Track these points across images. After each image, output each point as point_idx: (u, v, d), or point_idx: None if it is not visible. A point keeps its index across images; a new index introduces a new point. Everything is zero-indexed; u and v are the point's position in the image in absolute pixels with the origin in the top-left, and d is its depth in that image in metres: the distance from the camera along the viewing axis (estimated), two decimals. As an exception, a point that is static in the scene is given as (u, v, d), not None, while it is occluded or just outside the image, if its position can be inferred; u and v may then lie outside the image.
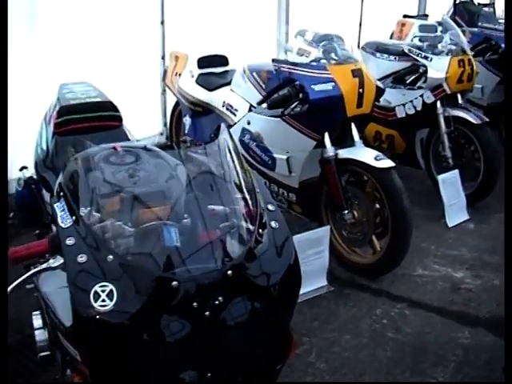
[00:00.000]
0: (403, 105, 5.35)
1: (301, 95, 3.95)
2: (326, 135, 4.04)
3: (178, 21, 6.28)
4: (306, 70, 3.98)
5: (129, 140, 3.00)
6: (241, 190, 1.99)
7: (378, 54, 5.59)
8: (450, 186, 5.01)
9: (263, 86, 4.31)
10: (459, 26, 7.80)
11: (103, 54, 5.48)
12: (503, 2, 10.03)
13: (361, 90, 3.96)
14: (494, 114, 6.46)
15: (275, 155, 4.26)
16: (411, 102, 5.29)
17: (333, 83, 3.90)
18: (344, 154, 4.02)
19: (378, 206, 4.05)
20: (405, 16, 8.71)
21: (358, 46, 8.28)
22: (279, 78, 4.13)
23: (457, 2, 8.53)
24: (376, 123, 5.53)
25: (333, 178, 4.04)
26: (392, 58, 5.51)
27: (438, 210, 5.07)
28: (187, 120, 5.24)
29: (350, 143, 4.13)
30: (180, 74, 5.26)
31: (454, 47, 5.31)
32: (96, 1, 5.43)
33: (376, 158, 3.89)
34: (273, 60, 4.16)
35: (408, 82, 5.37)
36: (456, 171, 5.07)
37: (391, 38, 7.81)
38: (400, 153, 5.61)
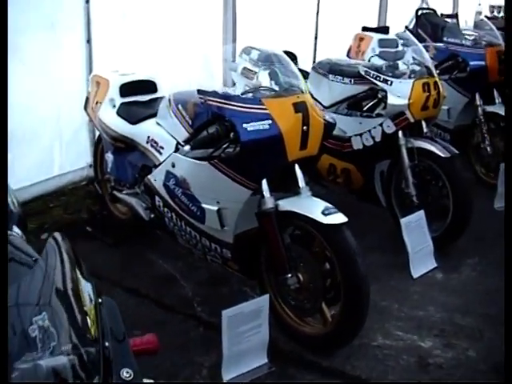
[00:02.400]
0: (360, 135, 4.64)
1: (232, 135, 3.19)
2: (264, 183, 3.32)
3: (106, 39, 5.48)
4: (237, 104, 3.23)
5: None
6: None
7: (330, 76, 4.87)
8: (415, 230, 4.31)
9: (189, 121, 3.55)
10: (422, 39, 7.19)
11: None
12: (466, 12, 9.52)
13: (305, 128, 3.25)
14: (462, 138, 5.81)
15: (204, 206, 3.53)
16: (369, 131, 4.59)
17: (269, 121, 3.18)
18: (286, 205, 3.29)
19: (328, 266, 3.27)
20: (364, 28, 8.06)
21: (314, 62, 7.61)
22: (208, 112, 3.38)
23: (419, 13, 7.85)
24: (330, 155, 4.81)
25: (273, 234, 3.31)
26: (347, 80, 4.79)
27: (401, 255, 4.37)
28: (109, 157, 4.50)
29: (295, 190, 3.37)
30: (101, 103, 4.45)
31: (417, 67, 4.61)
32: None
33: (324, 212, 3.16)
34: (198, 91, 3.41)
35: (365, 108, 4.61)
36: (421, 212, 4.37)
37: (348, 53, 7.11)
38: (358, 188, 4.87)
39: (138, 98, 4.46)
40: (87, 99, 4.74)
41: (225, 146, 3.27)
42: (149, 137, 4.02)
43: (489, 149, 5.76)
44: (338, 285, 3.30)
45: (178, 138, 3.69)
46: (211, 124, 3.34)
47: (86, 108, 4.76)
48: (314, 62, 8.00)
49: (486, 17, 9.25)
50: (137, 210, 4.25)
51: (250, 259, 3.63)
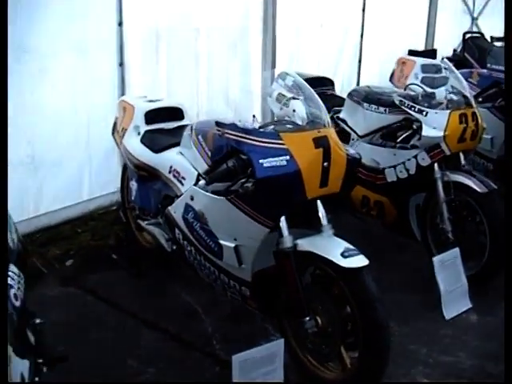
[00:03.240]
0: (394, 167, 4.45)
1: (249, 170, 3.05)
2: (283, 220, 3.14)
3: (140, 63, 5.40)
4: (254, 138, 3.08)
5: None
6: None
7: (365, 105, 4.69)
8: (449, 268, 4.10)
9: (209, 153, 3.42)
10: (469, 64, 6.96)
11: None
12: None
13: (326, 164, 3.06)
14: (506, 169, 5.52)
15: (221, 242, 3.39)
16: (403, 163, 4.39)
17: (287, 157, 3.01)
18: (305, 245, 3.13)
19: (349, 309, 3.08)
20: (410, 52, 7.84)
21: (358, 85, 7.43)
22: (226, 145, 3.24)
23: (466, 37, 7.60)
24: (363, 186, 4.64)
25: (290, 275, 3.14)
26: (382, 109, 4.60)
27: (434, 294, 4.15)
28: (133, 185, 4.39)
29: (317, 227, 3.19)
30: (126, 129, 4.35)
31: (455, 97, 4.38)
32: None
33: (344, 254, 2.99)
34: (216, 123, 3.26)
35: (400, 139, 4.40)
36: (456, 250, 4.14)
37: (391, 78, 6.88)
38: (391, 221, 4.67)
39: (164, 125, 4.34)
40: (115, 124, 4.65)
41: (242, 181, 3.11)
42: (171, 167, 3.90)
43: (534, 180, 5.45)
44: (358, 330, 3.09)
45: (199, 170, 3.55)
46: (229, 158, 3.19)
47: (113, 133, 4.65)
48: (357, 85, 7.82)
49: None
50: (159, 241, 4.12)
51: (270, 298, 3.46)
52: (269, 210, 3.13)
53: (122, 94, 5.29)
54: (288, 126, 3.19)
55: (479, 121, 4.35)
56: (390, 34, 8.12)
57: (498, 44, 8.47)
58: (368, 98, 4.76)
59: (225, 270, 3.51)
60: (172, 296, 4.33)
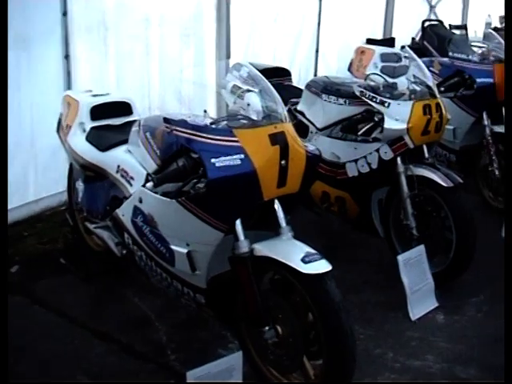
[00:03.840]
0: (355, 161, 4.24)
1: (201, 170, 2.80)
2: (238, 224, 2.91)
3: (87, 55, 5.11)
4: (205, 135, 2.83)
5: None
6: None
7: (324, 96, 4.47)
8: (414, 266, 3.92)
9: (157, 151, 3.16)
10: (428, 53, 6.79)
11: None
12: (475, 23, 9.10)
13: (283, 163, 2.83)
14: (469, 160, 5.40)
15: (173, 247, 3.16)
16: (365, 157, 4.18)
17: (242, 155, 2.78)
18: (262, 249, 2.90)
19: (311, 317, 2.86)
20: (368, 40, 7.66)
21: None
22: (176, 143, 2.99)
23: (425, 25, 7.43)
24: (323, 182, 4.42)
25: (247, 282, 2.92)
26: (341, 101, 4.39)
27: (399, 292, 3.96)
28: (80, 185, 4.13)
29: (276, 229, 2.96)
30: (71, 127, 4.07)
31: (418, 87, 4.18)
32: None
33: (304, 260, 2.77)
34: (164, 119, 3.00)
35: (361, 132, 4.19)
36: (421, 247, 3.96)
37: (350, 68, 6.68)
38: (353, 217, 4.47)
39: (111, 121, 4.07)
40: (59, 121, 4.35)
41: (193, 182, 2.87)
42: (119, 166, 3.65)
43: (497, 172, 5.33)
44: (321, 338, 2.88)
45: (148, 169, 3.30)
46: (179, 157, 2.95)
47: (58, 131, 4.36)
48: (315, 76, 7.60)
49: (496, 28, 8.84)
50: (108, 245, 3.86)
51: (227, 305, 3.23)
52: (223, 212, 2.89)
53: (69, 88, 5.01)
54: (242, 121, 2.95)
55: (443, 112, 4.15)
56: (347, 22, 7.94)
57: (457, 32, 8.34)
58: (327, 88, 4.53)
59: (177, 276, 3.28)
60: (124, 302, 4.08)
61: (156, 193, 3.12)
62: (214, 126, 2.89)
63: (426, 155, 4.20)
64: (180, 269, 3.19)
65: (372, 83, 4.29)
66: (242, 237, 2.93)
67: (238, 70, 5.28)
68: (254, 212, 3.01)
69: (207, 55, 6.20)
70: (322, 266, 2.78)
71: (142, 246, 3.40)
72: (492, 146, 5.35)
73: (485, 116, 5.38)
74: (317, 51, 7.59)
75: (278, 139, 2.85)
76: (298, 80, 7.22)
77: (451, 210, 4.02)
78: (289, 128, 2.94)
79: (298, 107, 4.78)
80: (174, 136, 2.99)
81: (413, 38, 8.32)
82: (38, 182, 4.95)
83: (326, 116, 4.48)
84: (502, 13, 9.30)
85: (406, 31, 8.79)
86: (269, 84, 3.11)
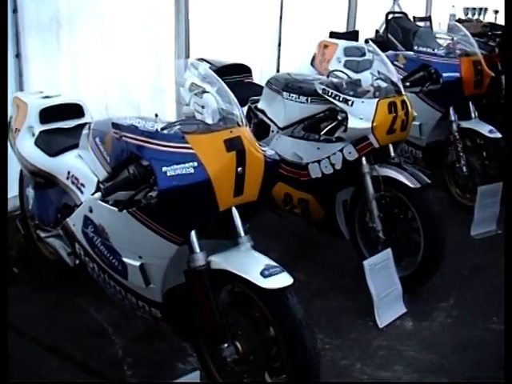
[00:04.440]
0: (318, 162, 4.07)
1: (152, 179, 2.61)
2: (193, 235, 2.71)
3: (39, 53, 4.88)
4: (156, 142, 2.64)
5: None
6: None
7: (285, 94, 4.29)
8: (381, 272, 3.77)
9: (107, 158, 2.97)
10: (393, 47, 6.65)
11: None
12: (440, 14, 8.97)
13: (240, 170, 2.65)
14: (436, 156, 5.26)
15: (125, 260, 2.98)
16: (328, 158, 4.02)
17: (195, 163, 2.58)
18: (219, 262, 2.73)
19: (273, 332, 2.69)
20: (332, 34, 7.48)
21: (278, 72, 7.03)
22: (126, 150, 2.79)
23: (389, 17, 7.27)
24: (285, 183, 4.25)
25: (204, 297, 2.75)
26: (303, 99, 4.21)
27: (366, 297, 3.82)
28: (30, 192, 3.94)
29: (234, 240, 2.78)
30: (19, 130, 3.84)
31: (383, 84, 4.02)
32: None
33: (264, 273, 2.60)
34: (113, 124, 2.81)
35: (324, 131, 4.01)
36: (388, 251, 3.82)
37: (312, 62, 6.52)
38: (317, 220, 4.30)
39: (61, 124, 3.86)
40: (9, 124, 4.10)
41: (144, 191, 2.68)
42: (69, 172, 3.45)
43: (464, 168, 5.20)
44: (283, 355, 2.71)
45: (99, 176, 3.10)
46: (129, 164, 2.76)
47: (8, 135, 4.12)
48: (277, 71, 7.41)
49: (460, 20, 8.72)
50: (61, 255, 3.65)
51: (184, 320, 3.05)
52: (176, 224, 2.71)
53: (21, 89, 4.75)
54: (196, 125, 2.75)
55: (409, 109, 4.00)
56: (310, 15, 7.71)
57: (421, 24, 8.20)
58: (288, 86, 4.35)
59: (131, 289, 3.09)
60: (80, 313, 3.88)
61: (107, 202, 2.92)
62: (165, 132, 2.70)
63: (392, 154, 4.06)
64: (133, 282, 3.01)
65: (335, 80, 4.12)
66: (197, 249, 2.75)
67: (196, 66, 5.10)
68: (210, 222, 2.80)
69: (165, 51, 5.96)
70: (282, 280, 2.61)
71: (93, 258, 3.22)
72: (459, 142, 5.22)
73: (451, 111, 5.25)
74: (279, 45, 7.37)
75: (234, 145, 2.67)
76: (260, 77, 7.00)
77: (418, 211, 3.88)
78: (245, 132, 2.76)
79: (259, 105, 4.60)
80: (123, 142, 2.79)
81: (376, 31, 8.16)
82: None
83: (288, 115, 4.30)
84: (466, 4, 9.22)
85: (369, 24, 8.61)
86: (224, 84, 2.91)
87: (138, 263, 2.91)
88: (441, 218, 3.90)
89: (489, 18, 9.19)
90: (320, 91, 4.02)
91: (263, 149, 2.88)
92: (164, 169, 2.58)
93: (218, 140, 2.65)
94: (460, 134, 5.22)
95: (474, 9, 9.22)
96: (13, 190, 4.61)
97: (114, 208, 2.84)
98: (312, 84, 4.21)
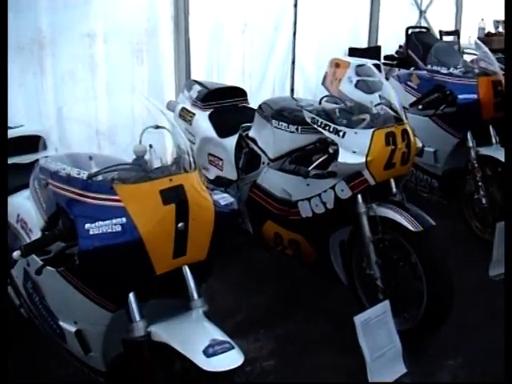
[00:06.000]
0: (308, 199, 3.60)
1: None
2: (132, 298, 2.26)
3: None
4: (80, 192, 2.21)
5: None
6: None
7: (274, 121, 3.82)
8: (376, 328, 3.29)
9: (44, 205, 2.55)
10: (413, 63, 6.18)
11: None
12: (469, 28, 8.45)
13: (181, 226, 2.19)
14: (453, 185, 4.75)
15: (61, 323, 2.54)
16: (319, 195, 3.54)
17: (123, 219, 2.15)
18: (160, 334, 2.33)
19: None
20: (351, 50, 7.02)
21: (292, 91, 6.59)
22: (54, 199, 2.38)
23: (409, 32, 6.78)
24: (274, 222, 3.79)
25: (144, 370, 2.30)
26: (292, 128, 3.74)
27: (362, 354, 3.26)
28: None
29: (187, 303, 2.35)
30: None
31: (381, 111, 3.54)
32: None
33: (208, 351, 2.15)
34: (40, 169, 2.40)
35: (313, 165, 3.54)
36: (385, 303, 3.33)
37: (324, 82, 6.03)
38: (310, 262, 3.84)
39: (19, 159, 3.44)
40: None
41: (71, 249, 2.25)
42: (18, 215, 3.07)
43: (484, 200, 4.67)
44: None
45: (39, 225, 2.67)
46: (59, 216, 2.33)
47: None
48: (291, 91, 6.96)
49: (489, 33, 8.19)
50: (15, 304, 3.26)
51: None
52: (106, 288, 2.28)
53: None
54: (134, 172, 2.30)
55: (412, 140, 3.51)
56: (327, 30, 7.25)
57: (449, 38, 7.70)
58: (278, 113, 3.89)
59: (74, 355, 2.66)
60: (43, 370, 3.42)
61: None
62: (92, 180, 2.25)
63: (394, 191, 3.56)
64: (72, 348, 2.58)
65: (328, 106, 3.64)
66: (136, 317, 2.32)
67: (190, 88, 4.68)
68: (151, 284, 2.36)
69: (164, 73, 5.56)
70: (228, 361, 2.16)
71: (36, 316, 2.80)
72: (478, 170, 4.69)
73: (469, 137, 4.72)
74: (293, 63, 6.91)
75: (174, 196, 2.23)
76: (272, 94, 6.59)
77: (420, 258, 3.40)
78: (191, 179, 2.32)
79: (250, 133, 4.15)
80: (50, 190, 2.37)
81: (400, 46, 7.66)
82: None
83: (277, 145, 3.85)
84: (496, 17, 8.67)
85: (393, 38, 8.11)
86: (173, 120, 2.47)
87: (73, 329, 2.53)
88: (447, 266, 3.40)
89: (521, 31, 8.61)
90: (309, 120, 3.56)
91: (217, 197, 2.43)
92: (87, 226, 2.16)
93: (152, 190, 2.21)
94: (479, 162, 4.69)
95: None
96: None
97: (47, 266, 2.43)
98: (301, 111, 3.75)
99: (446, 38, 7.68)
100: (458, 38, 7.81)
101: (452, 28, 8.74)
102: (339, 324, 3.77)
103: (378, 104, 3.67)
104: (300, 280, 4.35)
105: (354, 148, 3.39)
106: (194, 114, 4.48)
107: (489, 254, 4.40)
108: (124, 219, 2.17)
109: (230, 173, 4.25)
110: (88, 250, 2.16)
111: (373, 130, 3.41)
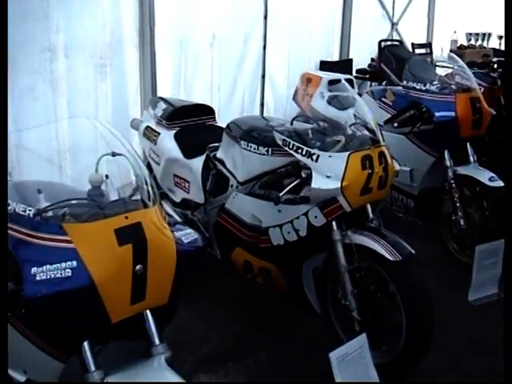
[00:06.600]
0: (279, 226, 3.36)
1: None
2: (86, 348, 2.11)
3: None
4: (26, 231, 1.99)
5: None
6: None
7: (242, 143, 3.60)
8: (353, 364, 3.08)
9: None
10: (386, 77, 6.02)
11: None
12: (441, 40, 8.31)
13: (138, 268, 2.03)
14: (430, 205, 4.58)
15: (10, 372, 2.33)
16: (291, 222, 3.31)
17: (73, 262, 2.03)
18: (115, 386, 2.01)
19: None
20: (322, 63, 6.84)
21: (262, 106, 6.39)
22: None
23: (382, 45, 6.61)
24: (244, 249, 3.57)
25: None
26: (263, 150, 3.53)
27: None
28: None
29: (148, 349, 2.14)
30: None
31: (357, 131, 3.35)
32: None
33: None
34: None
35: (285, 190, 3.33)
36: (362, 337, 3.13)
37: (294, 97, 5.84)
38: (282, 291, 3.62)
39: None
40: None
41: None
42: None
43: (462, 221, 4.50)
44: None
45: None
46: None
47: None
48: (261, 105, 6.76)
49: (462, 46, 8.07)
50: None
51: None
52: (57, 338, 2.03)
53: None
54: (86, 207, 2.07)
55: (389, 162, 3.31)
56: (297, 42, 7.06)
57: (421, 51, 7.56)
58: (247, 133, 3.68)
59: (24, 406, 2.41)
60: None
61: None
62: (40, 218, 2.02)
63: (371, 216, 3.36)
64: (23, 400, 2.34)
65: (300, 127, 3.43)
66: (92, 367, 2.08)
67: (154, 106, 4.45)
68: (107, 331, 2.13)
69: (129, 89, 5.32)
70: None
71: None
72: (456, 190, 4.52)
73: (446, 156, 4.56)
74: (263, 76, 6.70)
75: (130, 235, 2.01)
76: (241, 111, 6.38)
77: (399, 288, 3.20)
78: (151, 215, 2.10)
79: (218, 154, 3.93)
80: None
81: (372, 59, 7.50)
82: None
83: (246, 168, 3.63)
84: (469, 29, 8.57)
85: (365, 51, 7.96)
86: (131, 147, 2.25)
87: (23, 379, 2.28)
88: (427, 295, 3.20)
89: (493, 43, 8.53)
90: (280, 142, 3.34)
91: (180, 234, 2.20)
92: (33, 270, 1.94)
93: (106, 230, 1.99)
94: (456, 182, 4.52)
95: (477, 34, 8.56)
96: None
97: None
98: (271, 132, 3.55)
99: (418, 51, 7.54)
100: (431, 50, 7.67)
101: (424, 40, 8.62)
102: (314, 354, 3.56)
103: (354, 124, 3.45)
104: (272, 307, 4.13)
105: (329, 172, 3.18)
106: (159, 134, 4.25)
107: (467, 278, 4.24)
108: (74, 262, 1.94)
109: (197, 195, 4.02)
110: (35, 297, 1.92)
111: (348, 153, 3.20)
